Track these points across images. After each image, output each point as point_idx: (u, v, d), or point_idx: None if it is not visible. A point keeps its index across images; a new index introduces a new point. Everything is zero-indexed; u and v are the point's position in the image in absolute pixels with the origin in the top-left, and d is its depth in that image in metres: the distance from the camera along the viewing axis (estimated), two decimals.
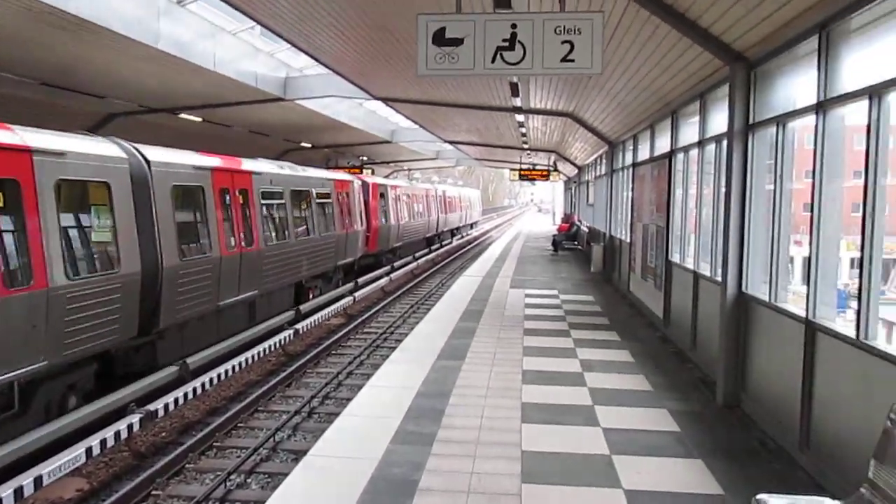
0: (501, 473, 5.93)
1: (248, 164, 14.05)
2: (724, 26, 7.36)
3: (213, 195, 12.02)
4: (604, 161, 21.48)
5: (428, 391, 8.23)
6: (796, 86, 6.90)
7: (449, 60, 6.96)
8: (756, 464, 6.30)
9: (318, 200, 17.95)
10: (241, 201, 13.21)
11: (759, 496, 4.24)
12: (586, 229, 28.05)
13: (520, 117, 20.36)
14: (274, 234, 14.83)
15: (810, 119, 6.16)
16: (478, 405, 7.73)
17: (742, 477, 5.94)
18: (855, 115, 5.60)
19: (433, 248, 37.54)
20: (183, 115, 19.90)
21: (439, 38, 6.88)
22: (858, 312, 5.14)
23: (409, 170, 48.39)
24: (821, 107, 5.91)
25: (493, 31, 6.91)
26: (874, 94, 5.04)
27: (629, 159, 16.46)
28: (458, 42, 6.95)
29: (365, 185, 24.67)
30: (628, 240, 16.00)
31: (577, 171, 33.21)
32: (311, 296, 17.45)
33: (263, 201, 14.25)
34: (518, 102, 16.94)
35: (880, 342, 5.04)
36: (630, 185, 15.96)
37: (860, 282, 5.11)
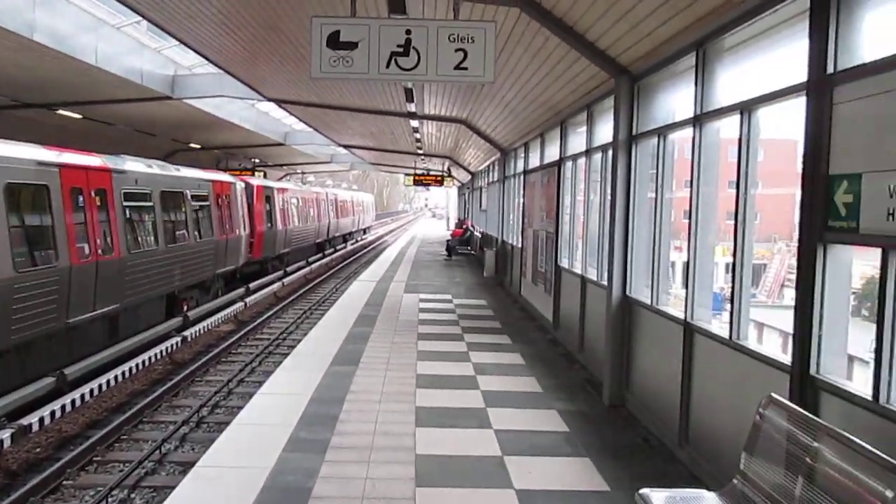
0: (396, 478, 5.93)
1: (106, 162, 12.69)
2: (609, 41, 7.66)
3: (60, 196, 10.62)
4: (496, 168, 21.89)
5: (321, 397, 8.13)
6: (676, 99, 7.27)
7: (343, 64, 6.92)
8: (640, 460, 6.57)
9: (194, 203, 16.89)
10: (98, 203, 11.88)
11: (641, 491, 4.44)
12: (479, 234, 28.49)
13: (414, 123, 20.47)
14: (139, 239, 13.56)
15: (689, 131, 6.51)
16: (372, 410, 7.70)
17: (626, 473, 6.17)
18: (728, 128, 5.97)
19: (326, 253, 37.11)
20: (61, 112, 18.84)
21: (334, 42, 6.83)
22: (731, 314, 5.47)
23: (303, 173, 47.71)
24: (697, 120, 6.26)
25: (388, 37, 6.92)
26: (745, 109, 5.38)
27: (520, 166, 16.85)
28: (352, 46, 6.92)
29: (249, 187, 23.76)
30: (520, 245, 16.37)
31: (470, 177, 33.67)
32: (185, 308, 16.16)
33: (127, 203, 12.95)
34: (413, 108, 17.03)
35: (751, 342, 5.38)
36: (521, 192, 16.34)
37: (732, 286, 5.44)
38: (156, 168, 15.42)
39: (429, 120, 19.89)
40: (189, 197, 16.60)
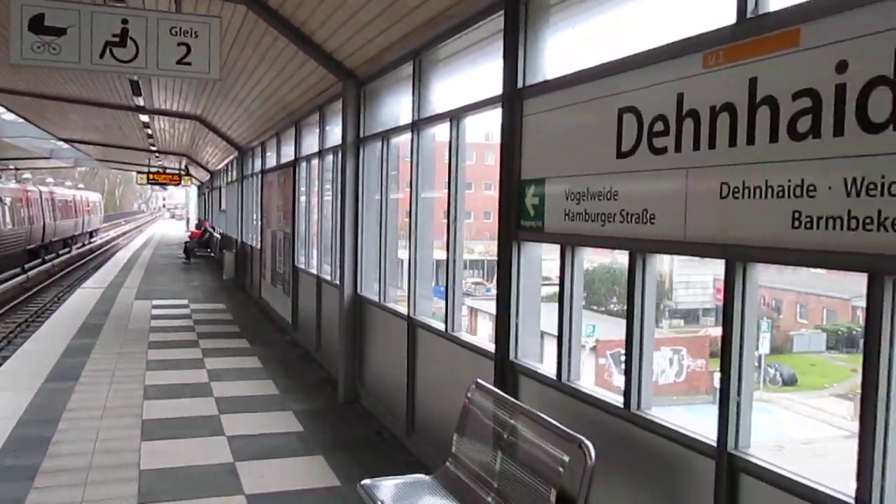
0: (115, 498, 5.56)
1: None
2: (335, 44, 7.80)
3: None
4: (235, 167, 21.26)
5: (31, 419, 7.37)
6: (399, 105, 7.61)
7: (50, 51, 6.35)
8: (371, 453, 6.79)
9: None
10: None
11: (362, 482, 4.61)
12: (219, 236, 27.48)
13: (144, 118, 19.18)
14: None
15: (408, 136, 6.85)
16: (92, 428, 7.14)
17: (358, 467, 6.34)
18: (443, 133, 6.37)
19: (48, 259, 33.48)
20: None
21: (37, 25, 6.25)
22: (445, 309, 5.87)
23: (17, 169, 42.52)
24: (416, 125, 6.61)
25: (102, 24, 6.48)
26: (454, 117, 5.79)
27: (258, 166, 16.54)
28: (60, 31, 6.37)
29: None
30: (259, 246, 16.07)
31: (210, 176, 32.32)
32: None
33: None
34: (141, 102, 15.98)
35: (463, 334, 5.81)
36: (259, 192, 16.05)
37: (446, 282, 5.83)
38: None
39: (160, 115, 18.77)
40: None
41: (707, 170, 3.10)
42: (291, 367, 10.17)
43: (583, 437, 3.43)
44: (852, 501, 2.49)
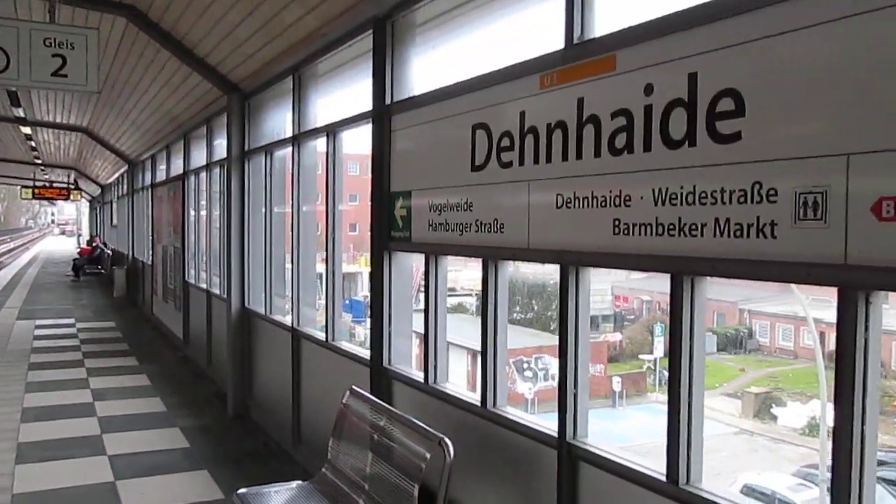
0: None
1: None
2: (218, 58, 7.80)
3: None
4: (125, 180, 20.64)
5: None
6: (282, 118, 7.68)
7: None
8: (258, 465, 6.80)
9: None
10: None
11: (238, 491, 4.67)
12: (110, 252, 26.53)
13: (27, 129, 18.39)
14: None
15: (290, 149, 6.94)
16: None
17: (243, 479, 6.32)
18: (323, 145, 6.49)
19: None
20: None
21: None
22: (326, 319, 5.99)
23: None
24: (296, 139, 6.71)
25: None
26: (330, 131, 5.93)
27: (149, 179, 16.15)
28: None
29: None
30: (150, 262, 15.68)
31: (100, 190, 31.16)
32: None
33: None
34: (21, 113, 15.33)
35: (343, 342, 5.94)
36: (150, 206, 15.68)
37: (326, 293, 5.95)
38: None
39: (44, 127, 18.06)
40: None
41: (545, 182, 3.37)
42: (181, 383, 10.01)
43: (442, 436, 3.63)
44: (664, 478, 2.78)
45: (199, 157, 11.14)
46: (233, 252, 8.15)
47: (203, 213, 11.22)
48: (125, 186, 20.87)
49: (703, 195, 2.59)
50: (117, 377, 10.26)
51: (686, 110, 2.67)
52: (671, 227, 2.72)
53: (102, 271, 27.22)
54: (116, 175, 23.42)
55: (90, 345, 12.87)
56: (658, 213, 2.78)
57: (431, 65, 4.77)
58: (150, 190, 15.73)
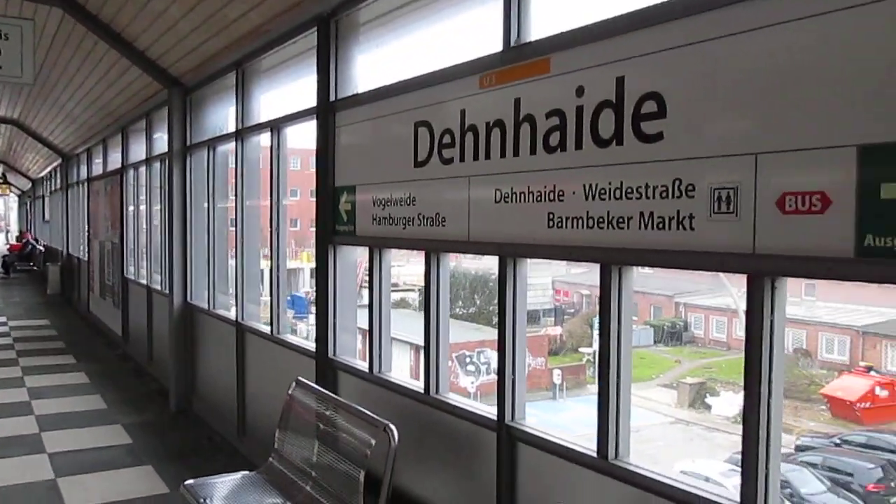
0: None
1: None
2: (159, 51, 7.74)
3: None
4: (59, 175, 20.10)
5: None
6: (225, 113, 7.68)
7: None
8: (203, 459, 6.81)
9: None
10: None
11: (186, 482, 4.72)
12: (42, 248, 25.79)
13: None
14: None
15: (233, 144, 6.95)
16: None
17: (189, 473, 6.27)
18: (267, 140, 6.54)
19: None
20: None
21: None
22: (271, 313, 6.06)
23: None
24: (240, 134, 6.74)
25: None
26: (274, 127, 5.99)
27: (84, 173, 15.80)
28: None
29: None
30: (86, 258, 15.36)
31: (31, 184, 30.20)
32: None
33: None
34: None
35: (288, 335, 6.03)
36: (86, 201, 15.34)
37: (271, 287, 6.02)
38: None
39: None
40: None
41: (484, 178, 3.53)
42: (121, 380, 9.89)
43: (387, 422, 3.77)
44: (594, 454, 2.98)
45: (138, 152, 10.99)
46: (175, 247, 8.11)
47: (143, 207, 11.08)
48: (59, 181, 20.33)
49: (630, 190, 2.79)
50: (54, 375, 10.08)
51: (614, 111, 2.87)
52: (601, 220, 2.92)
53: (34, 268, 26.45)
54: (49, 169, 22.77)
55: (24, 343, 12.59)
56: (589, 207, 2.97)
57: (375, 62, 4.89)
58: (85, 184, 15.39)
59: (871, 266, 2.09)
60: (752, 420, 2.42)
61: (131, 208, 11.48)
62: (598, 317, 3.00)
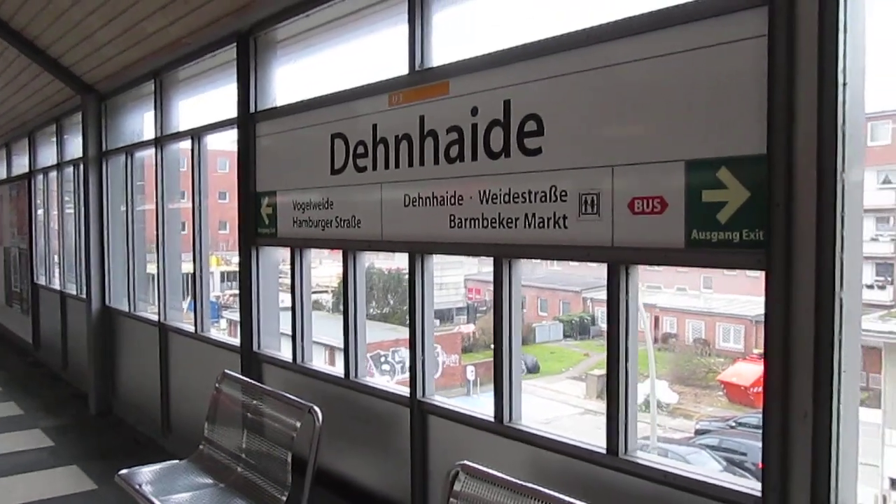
0: None
1: None
2: (73, 59, 7.85)
3: None
4: None
5: None
6: (142, 120, 7.88)
7: None
8: (128, 456, 6.97)
9: None
10: None
11: (120, 472, 5.00)
12: None
13: None
14: None
15: (152, 150, 7.18)
16: None
17: (114, 469, 6.52)
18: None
19: None
20: None
21: None
22: (195, 312, 6.37)
23: None
24: (159, 141, 6.99)
25: None
26: (195, 135, 6.30)
27: None
28: None
29: None
30: None
31: None
32: None
33: None
34: None
35: (212, 333, 6.35)
36: None
37: (193, 289, 6.34)
38: None
39: None
40: None
41: (395, 184, 4.02)
42: (35, 387, 9.87)
43: (312, 404, 4.20)
44: (492, 418, 3.51)
45: (47, 156, 10.93)
46: (92, 251, 8.22)
47: (54, 212, 11.02)
48: None
49: (516, 195, 3.33)
50: None
51: (502, 129, 3.40)
52: (493, 220, 3.45)
53: None
54: None
55: None
56: (483, 209, 3.50)
57: (293, 76, 5.30)
58: None
59: (697, 254, 2.69)
60: (614, 379, 3.00)
61: (40, 213, 11.38)
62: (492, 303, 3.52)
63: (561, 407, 28.29)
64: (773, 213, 2.44)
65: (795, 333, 2.42)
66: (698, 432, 23.46)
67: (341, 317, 4.63)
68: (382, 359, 29.55)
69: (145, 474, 4.95)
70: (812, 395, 2.38)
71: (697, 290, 32.32)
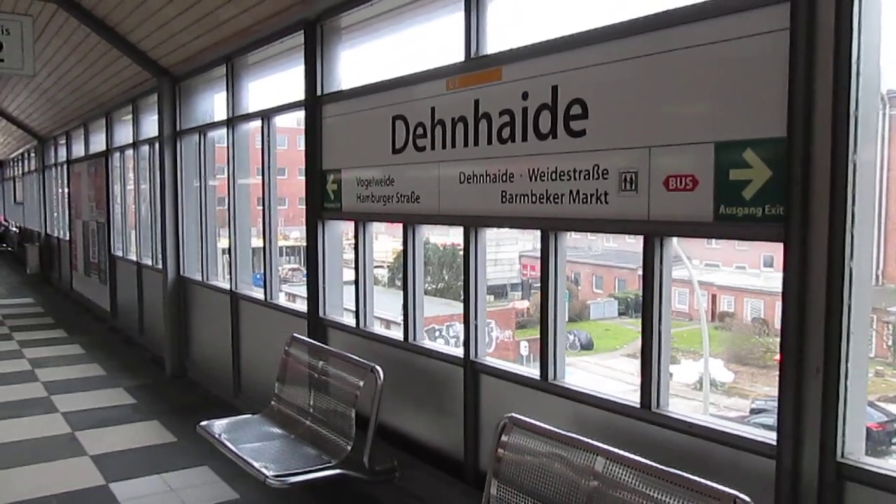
0: None
1: None
2: (150, 45, 8.39)
3: None
4: (33, 157, 20.46)
5: None
6: (214, 102, 8.38)
7: None
8: (201, 413, 7.51)
9: None
10: None
11: (200, 423, 5.52)
12: (17, 230, 26.04)
13: None
14: None
15: (224, 130, 7.67)
16: None
17: (191, 425, 7.13)
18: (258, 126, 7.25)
19: None
20: None
21: None
22: (265, 279, 6.86)
23: None
24: (230, 122, 7.46)
25: None
26: (265, 116, 6.74)
27: (63, 156, 16.27)
28: None
29: None
30: (68, 238, 15.90)
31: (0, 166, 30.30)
32: None
33: None
34: None
35: (281, 300, 6.84)
36: (66, 183, 15.84)
37: (264, 258, 6.82)
38: None
39: None
40: None
41: (451, 163, 4.37)
42: (115, 351, 10.60)
43: (375, 364, 4.61)
44: (538, 377, 3.87)
45: (123, 136, 11.58)
46: (168, 224, 8.81)
47: (130, 188, 11.70)
48: (33, 163, 20.68)
49: (562, 174, 3.65)
50: (50, 347, 10.75)
51: (550, 112, 3.71)
52: (541, 196, 3.78)
53: (10, 249, 26.71)
54: (21, 150, 23.05)
55: (14, 320, 13.15)
56: (532, 186, 3.82)
57: (356, 61, 5.68)
58: (65, 166, 15.88)
59: (724, 227, 2.97)
60: (647, 340, 3.32)
61: (117, 189, 12.09)
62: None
63: (614, 384, 28.45)
64: (792, 190, 2.72)
65: (810, 297, 2.70)
66: (753, 411, 23.37)
67: (396, 292, 5.01)
68: (437, 333, 30.11)
69: (222, 425, 5.45)
70: (823, 353, 2.66)
71: (757, 269, 31.90)
